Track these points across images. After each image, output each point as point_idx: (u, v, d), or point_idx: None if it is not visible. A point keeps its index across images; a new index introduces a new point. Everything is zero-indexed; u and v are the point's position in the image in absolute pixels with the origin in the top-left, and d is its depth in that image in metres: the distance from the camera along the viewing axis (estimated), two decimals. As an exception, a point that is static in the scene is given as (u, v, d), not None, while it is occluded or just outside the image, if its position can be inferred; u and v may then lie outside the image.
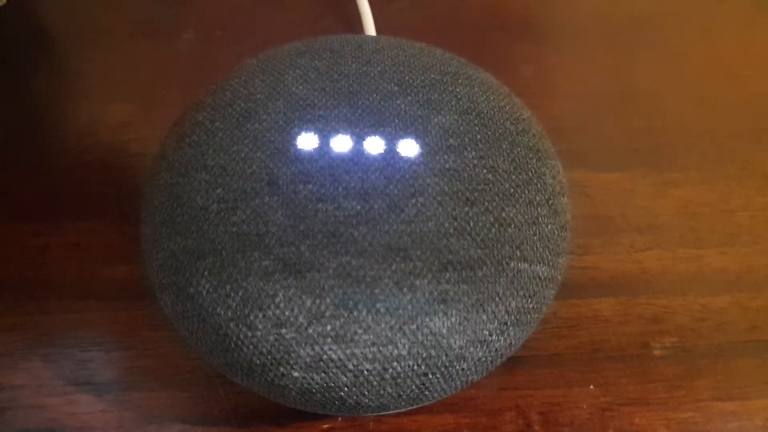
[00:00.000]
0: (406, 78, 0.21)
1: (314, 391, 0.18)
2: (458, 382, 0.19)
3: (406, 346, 0.17)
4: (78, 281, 0.25)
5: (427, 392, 0.18)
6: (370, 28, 0.32)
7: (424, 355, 0.18)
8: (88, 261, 0.25)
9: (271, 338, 0.17)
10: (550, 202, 0.20)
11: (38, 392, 0.22)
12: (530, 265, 0.19)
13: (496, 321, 0.18)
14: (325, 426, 0.21)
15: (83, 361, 0.23)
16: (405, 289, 0.18)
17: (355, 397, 0.18)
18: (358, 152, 0.20)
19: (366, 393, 0.18)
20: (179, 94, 0.30)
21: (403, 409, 0.19)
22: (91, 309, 0.24)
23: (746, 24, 0.34)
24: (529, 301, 0.19)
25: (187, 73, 0.31)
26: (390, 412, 0.20)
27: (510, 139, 0.21)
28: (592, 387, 0.23)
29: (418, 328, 0.18)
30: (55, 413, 0.22)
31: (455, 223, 0.19)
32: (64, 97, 0.31)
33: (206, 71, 0.28)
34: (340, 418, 0.22)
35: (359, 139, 0.20)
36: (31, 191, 0.27)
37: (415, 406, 0.19)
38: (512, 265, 0.19)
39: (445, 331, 0.18)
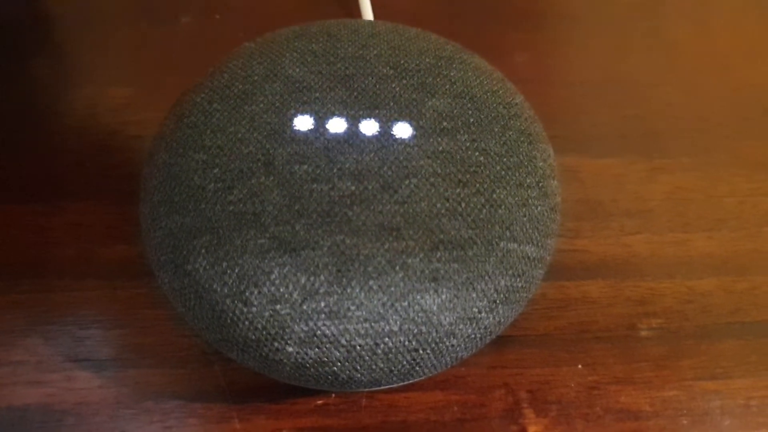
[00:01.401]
0: (402, 62, 0.22)
1: (308, 365, 0.18)
2: (448, 358, 0.19)
3: (398, 323, 0.18)
4: (77, 260, 0.25)
5: (417, 368, 0.19)
6: (367, 13, 0.32)
7: (415, 331, 0.18)
8: (87, 240, 0.26)
9: (267, 314, 0.18)
10: (540, 184, 0.21)
11: (37, 368, 0.22)
12: (519, 246, 0.19)
13: (485, 299, 0.19)
14: (319, 402, 0.22)
15: (82, 338, 0.23)
16: (397, 267, 0.18)
17: (347, 372, 0.18)
18: (353, 134, 0.20)
19: (358, 368, 0.18)
20: (178, 77, 0.31)
21: (394, 385, 0.20)
22: (90, 288, 0.24)
23: (737, 15, 0.34)
24: (518, 280, 0.19)
25: (186, 56, 0.32)
26: (382, 387, 0.20)
27: (502, 123, 0.21)
28: (579, 366, 0.23)
29: (409, 305, 0.18)
30: (54, 389, 0.22)
31: (447, 204, 0.19)
32: (65, 80, 0.31)
33: (205, 55, 0.28)
34: (333, 395, 0.22)
35: (354, 121, 0.20)
36: (31, 172, 0.27)
37: (406, 382, 0.20)
38: (502, 245, 0.19)
39: (435, 308, 0.18)
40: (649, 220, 0.27)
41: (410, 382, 0.20)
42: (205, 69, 0.23)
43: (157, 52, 0.32)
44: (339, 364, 0.18)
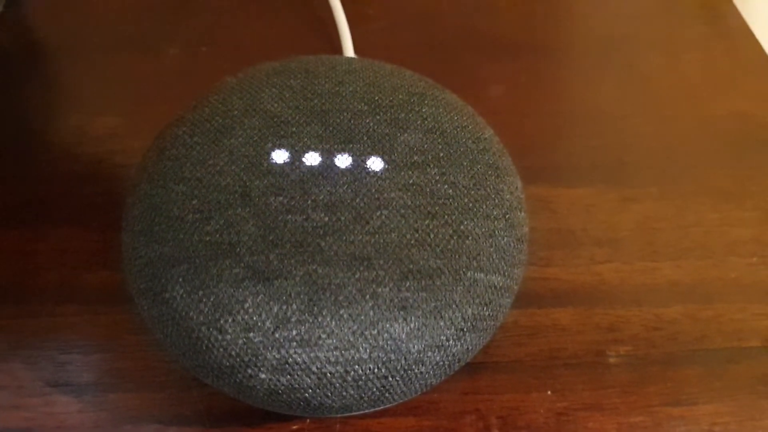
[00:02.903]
0: (376, 98, 0.23)
1: (280, 392, 0.19)
2: (417, 385, 0.20)
3: (367, 350, 0.19)
4: (61, 286, 0.26)
5: (387, 394, 0.19)
6: (348, 46, 0.33)
7: (384, 358, 0.19)
8: (71, 266, 0.26)
9: (240, 341, 0.19)
10: (507, 216, 0.22)
11: (17, 393, 0.23)
12: (486, 275, 0.20)
13: (453, 327, 0.19)
14: (294, 427, 0.22)
15: (63, 363, 0.24)
16: (367, 297, 0.19)
17: (319, 398, 0.19)
18: (327, 167, 0.21)
19: (329, 394, 0.19)
20: (164, 107, 0.32)
21: (366, 411, 0.20)
22: (72, 313, 0.25)
23: (707, 48, 0.36)
24: (485, 308, 0.20)
25: (172, 87, 0.33)
26: (354, 413, 0.21)
27: (471, 157, 0.22)
28: (549, 392, 0.24)
29: (379, 333, 0.19)
30: (34, 413, 0.23)
31: (416, 235, 0.20)
32: (53, 109, 0.32)
33: (190, 86, 0.29)
34: (308, 420, 0.23)
35: (329, 154, 0.21)
36: (18, 198, 0.28)
37: (377, 408, 0.20)
38: (469, 274, 0.20)
39: (404, 336, 0.19)
40: (619, 249, 0.28)
41: (382, 408, 0.21)
42: (191, 100, 0.24)
43: (144, 82, 0.33)
44: (310, 390, 0.19)
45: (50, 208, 0.28)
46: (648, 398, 0.24)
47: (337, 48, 0.34)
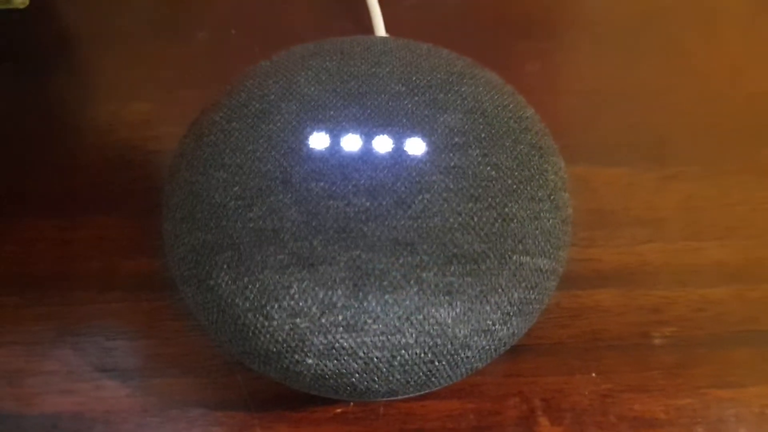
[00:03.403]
0: (413, 79, 0.22)
1: (327, 377, 0.19)
2: (463, 370, 0.20)
3: (413, 335, 0.19)
4: (102, 274, 0.26)
5: (433, 379, 0.19)
6: (379, 27, 0.32)
7: (431, 343, 0.19)
8: (110, 254, 0.26)
9: (287, 327, 0.18)
10: (552, 197, 0.21)
11: (68, 378, 0.23)
12: (532, 258, 0.20)
13: (499, 311, 0.19)
14: (338, 410, 0.23)
15: (109, 349, 0.24)
16: (412, 282, 0.19)
17: (365, 383, 0.19)
18: (367, 151, 0.21)
19: (376, 379, 0.19)
20: (195, 92, 0.31)
21: (411, 395, 0.20)
22: (115, 300, 0.25)
23: (749, 21, 0.34)
24: (531, 292, 0.20)
25: (203, 71, 0.32)
26: (399, 397, 0.21)
27: (513, 137, 0.22)
28: (593, 374, 0.24)
29: (424, 318, 0.19)
30: (84, 398, 0.23)
31: (460, 219, 0.20)
32: (85, 97, 0.32)
33: (221, 71, 0.29)
34: (352, 403, 0.23)
35: (368, 138, 0.21)
36: (54, 188, 0.28)
37: (422, 392, 0.20)
38: (515, 258, 0.20)
39: (450, 321, 0.19)
40: (661, 229, 0.27)
41: (426, 392, 0.21)
42: (222, 83, 0.24)
43: (175, 67, 0.33)
44: (357, 375, 0.19)
45: (86, 196, 0.28)
46: (695, 380, 0.24)
47: (368, 28, 0.33)
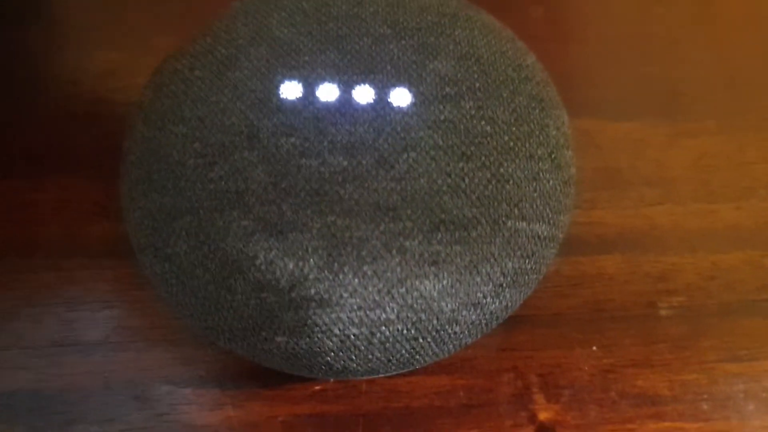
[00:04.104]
0: (401, 20, 0.20)
1: (299, 356, 0.17)
2: (450, 346, 0.18)
3: (395, 310, 0.17)
4: (64, 239, 0.24)
5: (417, 356, 0.18)
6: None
7: (414, 319, 0.17)
8: (73, 218, 0.24)
9: (252, 302, 0.17)
10: (553, 155, 0.19)
11: (24, 353, 0.22)
12: (529, 224, 0.18)
13: (490, 283, 0.17)
14: (317, 387, 0.21)
15: (69, 321, 0.22)
16: (394, 251, 0.17)
17: (342, 362, 0.17)
18: (345, 102, 0.18)
19: (353, 358, 0.17)
20: (167, 38, 0.29)
21: (393, 373, 0.18)
22: (77, 267, 0.23)
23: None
24: (527, 261, 0.18)
25: (178, 16, 0.30)
26: (381, 375, 0.19)
27: (511, 88, 0.19)
28: (594, 348, 0.22)
29: (407, 291, 0.17)
30: (41, 374, 0.21)
31: (449, 180, 0.17)
32: (46, 45, 0.29)
33: (195, 16, 0.27)
34: (332, 379, 0.21)
35: (347, 87, 0.19)
36: (12, 146, 0.26)
37: (406, 370, 0.19)
38: (509, 224, 0.18)
39: (436, 294, 0.17)
40: (672, 190, 0.25)
41: (410, 370, 0.19)
42: (193, 29, 0.21)
43: (146, 12, 0.30)
44: (332, 354, 0.17)
45: (47, 155, 0.26)
46: (703, 353, 0.22)
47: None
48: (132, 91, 0.28)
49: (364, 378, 0.21)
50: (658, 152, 0.26)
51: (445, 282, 0.17)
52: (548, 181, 0.18)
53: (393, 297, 0.17)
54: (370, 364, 0.17)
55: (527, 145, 0.19)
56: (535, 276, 0.18)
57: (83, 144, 0.26)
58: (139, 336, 0.22)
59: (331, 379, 0.21)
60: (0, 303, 0.23)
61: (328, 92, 0.18)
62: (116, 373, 0.21)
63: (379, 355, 0.17)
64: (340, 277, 0.16)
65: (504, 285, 0.18)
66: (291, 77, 0.19)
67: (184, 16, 0.30)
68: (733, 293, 0.23)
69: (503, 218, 0.17)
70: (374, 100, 0.18)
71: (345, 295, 0.16)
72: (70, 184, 0.25)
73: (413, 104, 0.18)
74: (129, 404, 0.21)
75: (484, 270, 0.17)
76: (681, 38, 0.29)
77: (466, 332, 0.18)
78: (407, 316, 0.17)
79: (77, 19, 0.31)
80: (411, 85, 0.19)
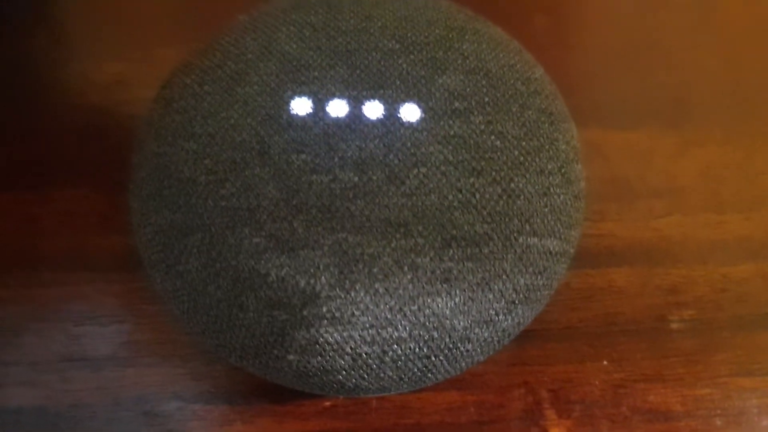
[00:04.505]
0: (409, 34, 0.20)
1: (311, 374, 0.17)
2: (462, 364, 0.18)
3: (407, 328, 0.16)
4: (70, 252, 0.24)
5: (429, 375, 0.17)
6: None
7: (426, 337, 0.17)
8: (80, 231, 0.24)
9: (264, 320, 0.16)
10: (563, 170, 0.19)
11: (31, 369, 0.22)
12: (540, 240, 0.18)
13: (503, 300, 0.17)
14: (327, 404, 0.21)
15: (77, 336, 0.22)
16: (406, 268, 0.17)
17: (354, 380, 0.17)
18: (355, 118, 0.18)
19: (365, 376, 0.17)
20: (172, 51, 0.29)
21: (404, 391, 0.18)
22: (84, 281, 0.23)
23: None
24: (539, 277, 0.18)
25: (182, 29, 0.30)
26: (392, 393, 0.19)
27: (520, 102, 0.19)
28: (605, 362, 0.22)
29: (419, 309, 0.17)
30: (49, 390, 0.21)
31: (460, 196, 0.17)
32: (54, 57, 0.29)
33: (202, 27, 0.26)
34: (341, 396, 0.21)
35: (357, 103, 0.18)
36: (18, 157, 0.26)
37: (417, 388, 0.18)
38: (521, 240, 0.17)
39: (448, 311, 0.17)
40: (680, 200, 0.25)
41: (422, 387, 0.19)
42: (202, 42, 0.21)
43: (150, 24, 0.30)
44: (344, 372, 0.17)
45: (54, 167, 0.26)
46: (715, 368, 0.22)
47: (360, -21, 0.30)
48: (138, 103, 0.28)
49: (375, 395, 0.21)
50: (665, 162, 0.26)
51: (457, 299, 0.17)
52: (559, 196, 0.18)
53: (405, 315, 0.16)
54: (381, 383, 0.17)
55: (537, 159, 0.18)
56: (546, 292, 0.18)
57: (90, 156, 0.26)
58: (147, 351, 0.22)
59: (341, 396, 0.21)
60: (6, 317, 0.23)
61: (338, 108, 0.18)
62: (125, 389, 0.21)
63: (391, 373, 0.17)
64: (352, 294, 0.16)
65: (516, 302, 0.17)
66: (301, 93, 0.19)
67: (189, 28, 0.30)
68: (745, 306, 0.23)
69: (515, 234, 0.17)
70: (384, 115, 0.18)
71: (357, 313, 0.16)
72: (77, 197, 0.25)
73: (423, 119, 0.18)
74: (138, 420, 0.21)
75: (496, 287, 0.17)
76: (686, 46, 0.29)
77: (479, 350, 0.18)
78: (419, 335, 0.17)
79: (83, 30, 0.31)
80: (420, 100, 0.19)
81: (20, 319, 0.22)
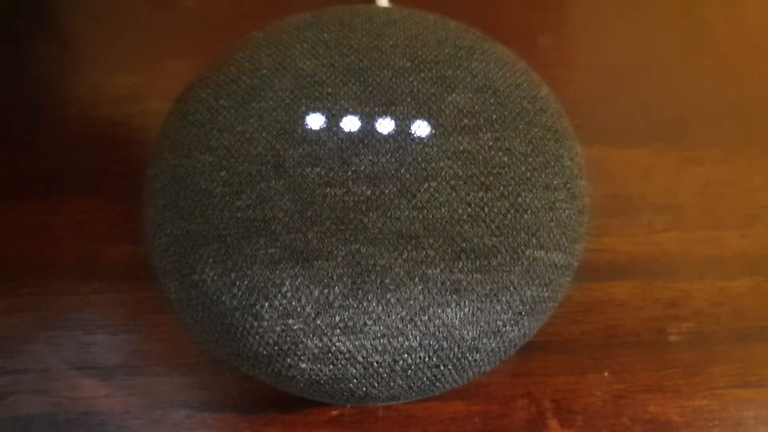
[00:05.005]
0: (419, 53, 0.20)
1: (322, 382, 0.17)
2: (470, 373, 0.18)
3: (417, 338, 0.17)
4: (81, 261, 0.24)
5: (438, 383, 0.18)
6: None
7: (436, 346, 0.17)
8: (91, 240, 0.25)
9: (278, 329, 0.17)
10: (568, 185, 0.19)
11: (42, 376, 0.22)
12: (546, 253, 0.18)
13: (510, 311, 0.18)
14: (334, 413, 0.21)
15: (87, 344, 0.22)
16: (416, 279, 0.17)
17: (364, 388, 0.17)
18: (368, 133, 0.19)
19: (376, 384, 0.17)
20: (183, 64, 0.29)
21: (413, 399, 0.19)
22: (95, 290, 0.23)
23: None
24: (545, 289, 0.18)
25: (192, 41, 0.30)
26: (400, 401, 0.19)
27: (527, 119, 0.20)
28: (606, 374, 0.22)
29: (429, 319, 0.17)
30: (59, 398, 0.21)
31: (469, 209, 0.18)
32: (66, 69, 0.30)
33: (211, 39, 0.27)
34: (349, 405, 0.21)
35: (369, 118, 0.19)
36: (30, 168, 0.26)
37: (425, 396, 0.19)
38: (528, 252, 0.18)
39: (457, 322, 0.17)
40: (680, 216, 0.25)
41: (430, 396, 0.19)
42: (213, 54, 0.22)
43: (162, 37, 0.31)
44: (355, 380, 0.17)
45: (65, 177, 0.26)
46: (713, 379, 0.22)
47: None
48: (149, 115, 0.28)
49: (383, 404, 0.21)
50: (666, 179, 0.26)
51: (466, 310, 0.17)
52: (564, 211, 0.19)
53: (416, 325, 0.17)
54: (391, 391, 0.18)
55: (543, 175, 0.19)
56: (552, 304, 0.19)
57: (101, 167, 0.26)
58: (157, 360, 0.22)
59: (348, 404, 0.21)
60: (17, 326, 0.23)
61: (350, 123, 0.19)
62: (134, 397, 0.21)
63: (401, 382, 0.17)
64: (364, 304, 0.17)
65: (523, 313, 0.18)
66: (315, 108, 0.19)
67: (198, 41, 0.30)
68: (742, 319, 0.24)
69: (522, 247, 0.18)
70: (395, 131, 0.19)
71: (369, 322, 0.17)
72: (88, 207, 0.25)
73: (433, 135, 0.19)
74: (148, 428, 0.21)
75: (504, 298, 0.18)
76: (686, 67, 0.30)
77: (486, 360, 0.18)
78: (429, 344, 0.17)
79: (93, 42, 0.31)
80: (430, 117, 0.19)
81: (31, 328, 0.23)
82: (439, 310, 0.17)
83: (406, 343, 0.17)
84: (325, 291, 0.17)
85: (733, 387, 0.22)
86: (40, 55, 0.30)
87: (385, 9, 0.22)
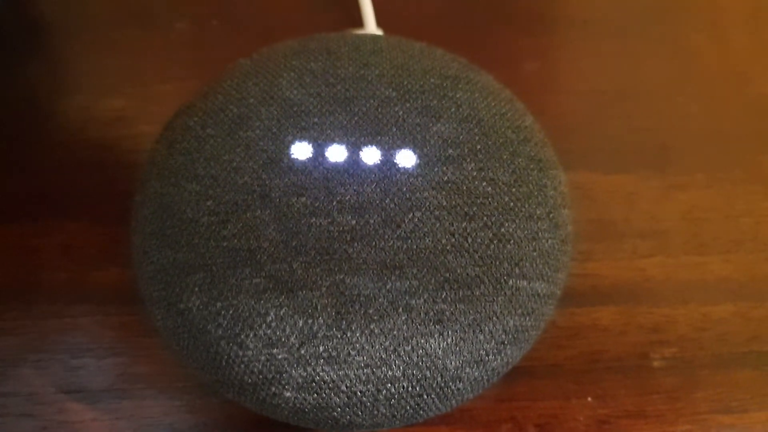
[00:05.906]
0: (405, 82, 0.21)
1: (307, 410, 0.17)
2: (453, 402, 0.18)
3: (401, 368, 0.17)
4: (69, 284, 0.24)
5: (421, 412, 0.18)
6: (370, 20, 0.31)
7: (419, 376, 0.17)
8: (79, 263, 0.25)
9: (263, 358, 0.17)
10: (551, 215, 0.20)
11: (29, 400, 0.22)
12: (529, 283, 0.19)
13: (493, 341, 0.18)
14: (319, 438, 0.21)
15: (75, 368, 0.22)
16: (400, 309, 0.17)
17: (348, 417, 0.18)
18: (353, 163, 0.19)
19: (359, 413, 0.17)
20: (172, 87, 0.30)
21: (397, 427, 0.19)
22: (82, 313, 0.24)
23: (756, 21, 0.33)
24: (527, 318, 0.18)
25: (182, 65, 0.30)
26: (384, 429, 0.19)
27: (511, 149, 0.20)
28: (589, 399, 0.22)
29: (413, 349, 0.17)
30: (46, 422, 0.21)
31: (453, 240, 0.18)
32: (54, 91, 0.30)
33: (201, 64, 0.27)
34: None
35: (355, 148, 0.19)
36: (17, 190, 0.26)
37: (409, 424, 0.19)
38: (510, 282, 0.18)
39: (440, 352, 0.17)
40: (664, 242, 0.26)
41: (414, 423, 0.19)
42: (202, 78, 0.22)
43: (152, 61, 0.31)
44: (339, 409, 0.17)
45: (53, 200, 0.26)
46: (696, 405, 0.23)
47: (358, 20, 0.31)
48: (138, 139, 0.28)
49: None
50: (650, 205, 0.27)
51: (449, 340, 0.17)
52: (547, 240, 0.19)
53: (399, 355, 0.17)
54: (375, 419, 0.18)
55: (527, 205, 0.19)
56: (534, 332, 0.19)
57: (89, 190, 0.27)
58: (144, 383, 0.22)
59: None
60: (4, 349, 0.23)
61: (336, 153, 0.19)
62: (121, 421, 0.21)
63: (384, 410, 0.18)
64: (348, 334, 0.17)
65: (505, 342, 0.18)
66: (301, 138, 0.19)
67: (188, 65, 0.30)
68: (725, 345, 0.24)
69: (504, 277, 0.18)
70: (381, 161, 0.19)
71: (353, 352, 0.17)
72: (76, 230, 0.25)
73: (418, 165, 0.19)
74: (133, 453, 0.21)
75: (486, 328, 0.18)
76: (669, 94, 0.30)
77: (469, 388, 0.18)
78: (413, 374, 0.17)
79: (82, 64, 0.31)
80: (415, 147, 0.19)
81: (18, 351, 0.23)
82: (422, 341, 0.17)
83: (390, 372, 0.17)
84: (309, 321, 0.17)
85: (716, 412, 0.22)
86: (29, 77, 0.30)
87: (371, 37, 0.23)
